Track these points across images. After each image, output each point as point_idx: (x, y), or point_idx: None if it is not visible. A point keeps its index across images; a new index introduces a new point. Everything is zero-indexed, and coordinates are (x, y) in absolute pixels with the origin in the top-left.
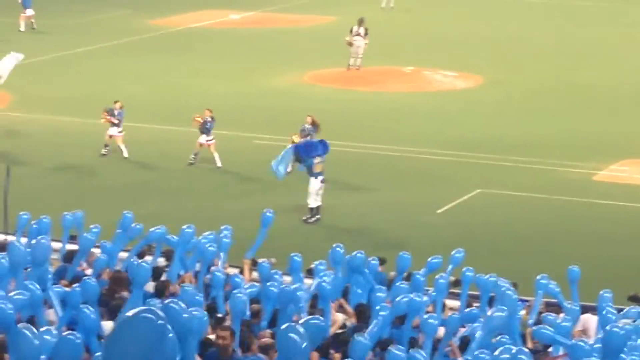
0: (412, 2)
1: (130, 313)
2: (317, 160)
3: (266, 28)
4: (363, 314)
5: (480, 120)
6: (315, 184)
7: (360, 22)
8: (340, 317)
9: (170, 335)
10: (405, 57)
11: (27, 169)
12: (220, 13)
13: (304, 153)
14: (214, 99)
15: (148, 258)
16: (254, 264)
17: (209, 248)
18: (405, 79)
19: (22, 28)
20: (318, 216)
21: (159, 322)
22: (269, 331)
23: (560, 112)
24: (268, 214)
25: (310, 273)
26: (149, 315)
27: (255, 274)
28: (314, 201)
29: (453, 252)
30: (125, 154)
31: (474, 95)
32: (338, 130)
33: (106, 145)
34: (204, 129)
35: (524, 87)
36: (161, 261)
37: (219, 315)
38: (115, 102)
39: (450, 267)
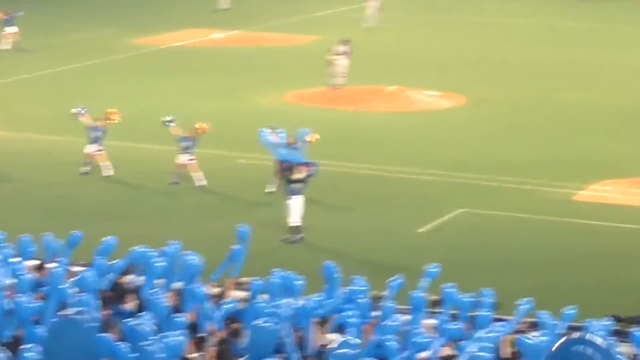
0: (395, 21)
1: (63, 313)
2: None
3: (249, 47)
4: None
5: (463, 140)
6: (295, 201)
7: (345, 42)
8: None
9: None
10: (388, 76)
11: (8, 187)
12: (204, 32)
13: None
14: (197, 118)
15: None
16: (238, 284)
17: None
18: (388, 99)
19: (6, 46)
20: (302, 235)
21: (88, 324)
22: None
23: (543, 132)
24: (242, 229)
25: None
26: (79, 317)
27: (239, 293)
28: (295, 219)
29: (428, 267)
30: (105, 173)
31: (457, 115)
32: (321, 149)
33: (86, 163)
34: (184, 148)
35: (507, 107)
36: (141, 279)
37: (201, 335)
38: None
39: (425, 281)
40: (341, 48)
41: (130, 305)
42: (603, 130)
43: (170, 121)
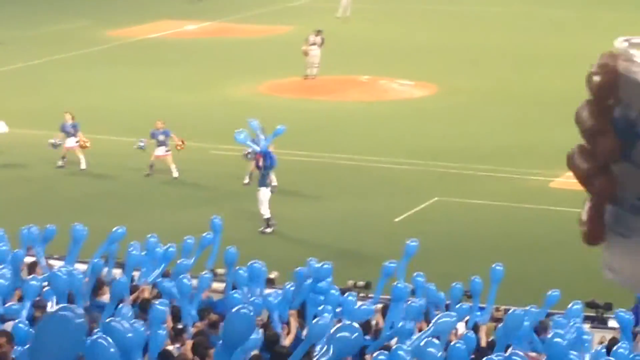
0: (368, 11)
1: (51, 310)
2: (272, 171)
3: (222, 38)
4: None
5: (437, 129)
6: (266, 193)
7: (318, 32)
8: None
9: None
10: (362, 66)
11: None
12: (177, 24)
13: (270, 163)
14: (171, 109)
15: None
16: (214, 275)
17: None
18: (361, 88)
19: None
20: (274, 225)
21: (77, 320)
22: None
23: (517, 120)
24: (216, 220)
25: (270, 283)
26: (67, 314)
27: (215, 285)
28: (267, 210)
29: (407, 242)
30: (83, 166)
31: (431, 104)
32: (295, 139)
33: (63, 157)
34: (160, 141)
35: (480, 96)
36: (117, 272)
37: (180, 326)
38: (66, 112)
39: (404, 259)
40: (314, 38)
41: (106, 297)
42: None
43: (142, 146)
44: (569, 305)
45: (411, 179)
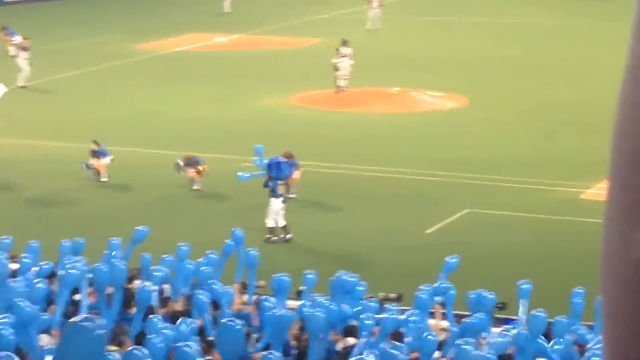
0: (398, 23)
1: (72, 320)
2: (281, 182)
3: (252, 50)
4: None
5: (467, 140)
6: (277, 204)
7: (345, 43)
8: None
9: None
10: (392, 78)
11: (13, 195)
12: (206, 36)
13: (276, 173)
14: (201, 122)
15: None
16: (244, 287)
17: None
18: (392, 100)
19: (12, 52)
20: (289, 235)
21: (97, 331)
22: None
23: (547, 131)
24: (237, 232)
25: (298, 295)
26: (88, 324)
27: (244, 297)
28: (272, 221)
29: (447, 258)
30: (104, 178)
31: (461, 116)
32: (325, 151)
33: (88, 167)
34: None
35: (511, 107)
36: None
37: (210, 338)
38: (93, 141)
39: (443, 274)
40: (343, 50)
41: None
42: (608, 128)
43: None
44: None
45: (442, 190)
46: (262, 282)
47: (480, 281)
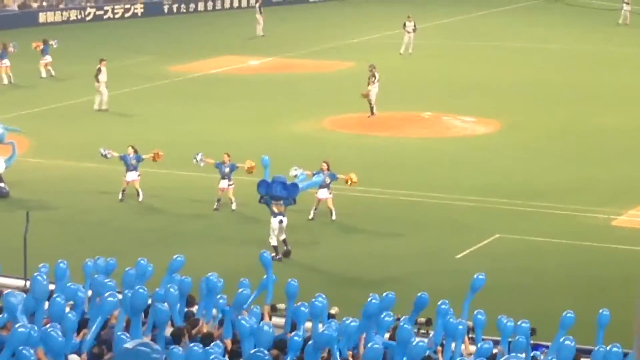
0: (431, 48)
1: (129, 345)
2: (273, 201)
3: (285, 74)
4: None
5: (498, 165)
6: (273, 222)
7: (372, 68)
8: None
9: None
10: (424, 102)
11: (46, 215)
12: (240, 59)
13: (265, 190)
14: (234, 144)
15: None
16: (274, 310)
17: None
18: (424, 125)
19: (43, 74)
20: (287, 249)
21: (154, 355)
22: None
23: (579, 157)
24: (266, 255)
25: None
26: (145, 349)
27: (275, 320)
28: (274, 239)
29: (475, 276)
30: (141, 198)
31: (493, 141)
32: (358, 175)
33: (123, 191)
34: (224, 174)
35: (541, 132)
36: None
37: None
38: (129, 146)
39: (470, 294)
40: (377, 74)
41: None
42: (637, 154)
43: (199, 160)
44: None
45: (473, 215)
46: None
47: (510, 306)
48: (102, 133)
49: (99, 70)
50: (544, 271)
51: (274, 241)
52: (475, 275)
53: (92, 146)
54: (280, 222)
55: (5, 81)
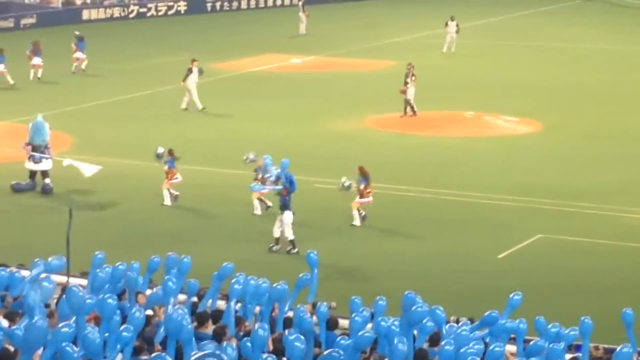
0: (473, 47)
1: (196, 356)
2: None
3: (327, 72)
4: None
5: (541, 165)
6: (289, 216)
7: (410, 67)
8: None
9: None
10: (466, 102)
11: (88, 212)
12: (282, 57)
13: (292, 188)
14: (275, 142)
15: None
16: (314, 308)
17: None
18: (466, 124)
19: (73, 69)
20: (295, 250)
21: None
22: None
23: (621, 157)
24: (312, 255)
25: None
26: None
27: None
28: (278, 231)
29: (511, 295)
30: (167, 202)
31: (535, 141)
32: (399, 174)
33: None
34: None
35: (584, 132)
36: (221, 304)
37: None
38: (169, 150)
39: (507, 310)
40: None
41: (209, 329)
42: None
43: (252, 159)
44: None
45: (515, 215)
46: (333, 304)
47: (551, 307)
48: (142, 130)
49: (190, 70)
50: (587, 272)
51: (277, 233)
52: (511, 295)
53: (134, 143)
54: (294, 214)
55: (31, 78)
